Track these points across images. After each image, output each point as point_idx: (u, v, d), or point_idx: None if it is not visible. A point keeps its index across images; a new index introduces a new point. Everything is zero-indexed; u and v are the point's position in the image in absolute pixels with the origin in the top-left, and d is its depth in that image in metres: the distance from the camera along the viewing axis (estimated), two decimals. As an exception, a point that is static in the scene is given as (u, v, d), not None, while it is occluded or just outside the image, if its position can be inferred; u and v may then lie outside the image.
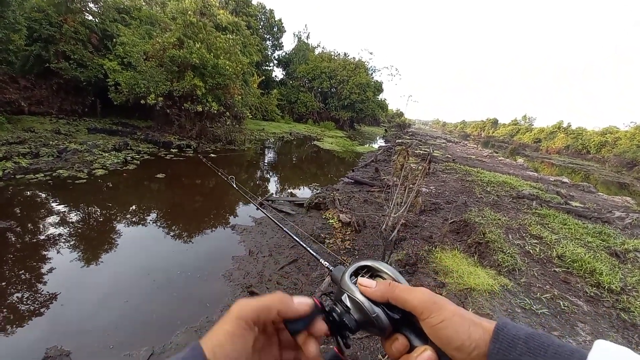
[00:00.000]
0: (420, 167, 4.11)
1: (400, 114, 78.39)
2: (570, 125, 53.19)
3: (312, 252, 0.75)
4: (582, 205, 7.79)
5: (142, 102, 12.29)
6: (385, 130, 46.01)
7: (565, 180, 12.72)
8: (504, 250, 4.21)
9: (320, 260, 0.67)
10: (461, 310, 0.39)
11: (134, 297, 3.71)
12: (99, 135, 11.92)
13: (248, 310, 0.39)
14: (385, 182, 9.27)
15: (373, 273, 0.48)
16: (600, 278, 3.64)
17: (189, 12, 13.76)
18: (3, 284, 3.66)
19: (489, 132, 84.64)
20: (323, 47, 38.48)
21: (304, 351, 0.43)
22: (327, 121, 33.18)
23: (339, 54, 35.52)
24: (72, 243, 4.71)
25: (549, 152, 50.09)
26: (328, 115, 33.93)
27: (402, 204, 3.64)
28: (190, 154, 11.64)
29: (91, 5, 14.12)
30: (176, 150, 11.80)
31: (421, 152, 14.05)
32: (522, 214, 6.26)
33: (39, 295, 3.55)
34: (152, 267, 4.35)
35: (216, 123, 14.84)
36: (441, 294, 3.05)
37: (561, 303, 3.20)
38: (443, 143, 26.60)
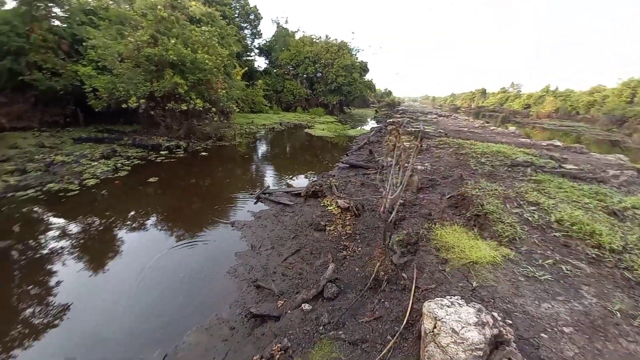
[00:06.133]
0: (412, 145, 4.04)
1: (389, 93, 77.51)
2: (557, 89, 53.11)
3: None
4: (576, 167, 7.83)
5: (124, 106, 11.90)
6: (376, 110, 45.51)
7: (558, 143, 12.73)
8: (503, 220, 4.18)
9: None
10: None
11: (142, 303, 3.72)
12: (85, 145, 11.56)
13: None
14: (380, 164, 9.22)
15: None
16: (600, 239, 3.64)
17: (159, 7, 13.12)
18: (13, 300, 3.65)
19: (478, 103, 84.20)
20: (303, 32, 37.20)
21: None
22: (317, 107, 32.63)
23: (319, 37, 34.44)
24: (75, 254, 4.67)
25: (540, 117, 50.06)
26: (317, 101, 33.34)
27: (399, 184, 3.60)
28: (182, 155, 11.42)
29: (56, 10, 13.36)
30: (166, 152, 11.54)
31: (413, 129, 13.94)
32: (518, 182, 6.22)
33: (51, 307, 3.55)
34: (156, 273, 4.32)
35: (203, 120, 14.50)
36: (444, 271, 3.00)
37: (564, 267, 3.23)
38: (434, 118, 26.42)
